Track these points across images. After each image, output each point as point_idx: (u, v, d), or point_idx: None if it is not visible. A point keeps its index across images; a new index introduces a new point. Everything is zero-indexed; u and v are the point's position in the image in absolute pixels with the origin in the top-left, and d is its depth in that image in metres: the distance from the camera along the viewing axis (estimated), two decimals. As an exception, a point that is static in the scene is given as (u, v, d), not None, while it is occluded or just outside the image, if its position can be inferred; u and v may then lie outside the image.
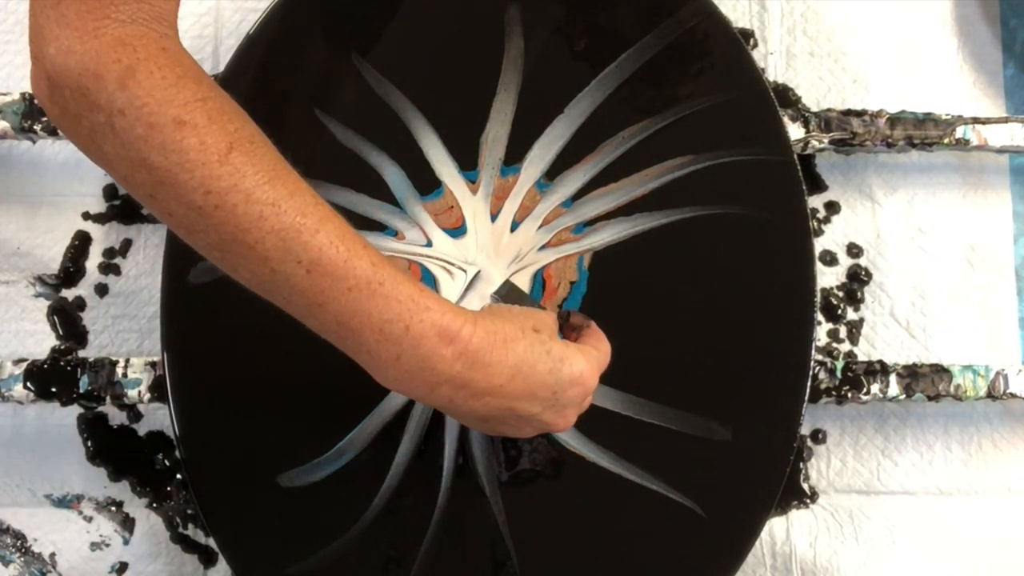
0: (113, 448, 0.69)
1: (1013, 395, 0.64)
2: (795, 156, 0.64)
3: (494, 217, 0.64)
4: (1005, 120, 0.67)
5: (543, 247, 0.63)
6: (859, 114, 0.66)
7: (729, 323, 0.62)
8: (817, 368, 0.63)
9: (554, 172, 0.64)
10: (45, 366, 0.64)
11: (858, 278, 0.70)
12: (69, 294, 0.71)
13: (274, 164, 0.45)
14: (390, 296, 0.45)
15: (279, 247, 0.44)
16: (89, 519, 0.69)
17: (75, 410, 0.69)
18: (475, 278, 0.63)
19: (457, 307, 0.47)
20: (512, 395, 0.48)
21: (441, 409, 0.50)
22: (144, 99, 0.42)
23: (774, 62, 0.73)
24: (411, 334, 0.45)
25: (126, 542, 0.69)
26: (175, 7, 0.45)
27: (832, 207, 0.71)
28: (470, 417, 0.50)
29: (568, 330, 0.55)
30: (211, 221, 0.43)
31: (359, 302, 0.45)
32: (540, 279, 0.63)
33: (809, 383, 0.61)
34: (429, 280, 0.62)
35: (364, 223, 0.63)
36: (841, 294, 0.70)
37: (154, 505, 0.69)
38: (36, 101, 0.46)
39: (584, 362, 0.50)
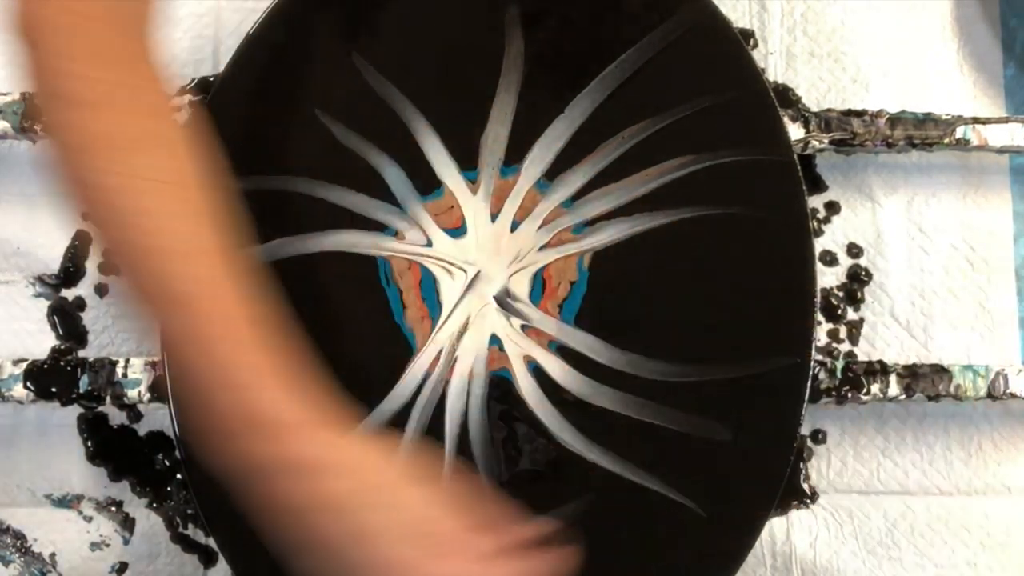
0: (113, 448, 0.69)
1: (1013, 395, 0.64)
2: (795, 156, 0.64)
3: (494, 217, 0.64)
4: (1005, 120, 0.67)
5: (543, 247, 0.63)
6: (859, 114, 0.66)
7: (729, 323, 0.62)
8: (817, 368, 0.63)
9: (554, 172, 0.64)
10: (45, 366, 0.64)
11: (858, 278, 0.70)
12: (69, 294, 0.71)
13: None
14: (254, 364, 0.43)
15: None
16: (89, 519, 0.69)
17: (75, 410, 0.69)
18: (475, 278, 0.63)
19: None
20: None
21: None
22: None
23: (774, 62, 0.73)
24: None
25: (126, 542, 0.69)
26: None
27: (832, 207, 0.71)
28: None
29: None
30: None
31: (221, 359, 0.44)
32: (540, 279, 0.63)
33: (809, 383, 0.61)
34: (429, 280, 0.62)
35: (364, 223, 0.63)
36: (841, 294, 0.70)
37: (154, 505, 0.69)
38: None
39: None
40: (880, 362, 0.64)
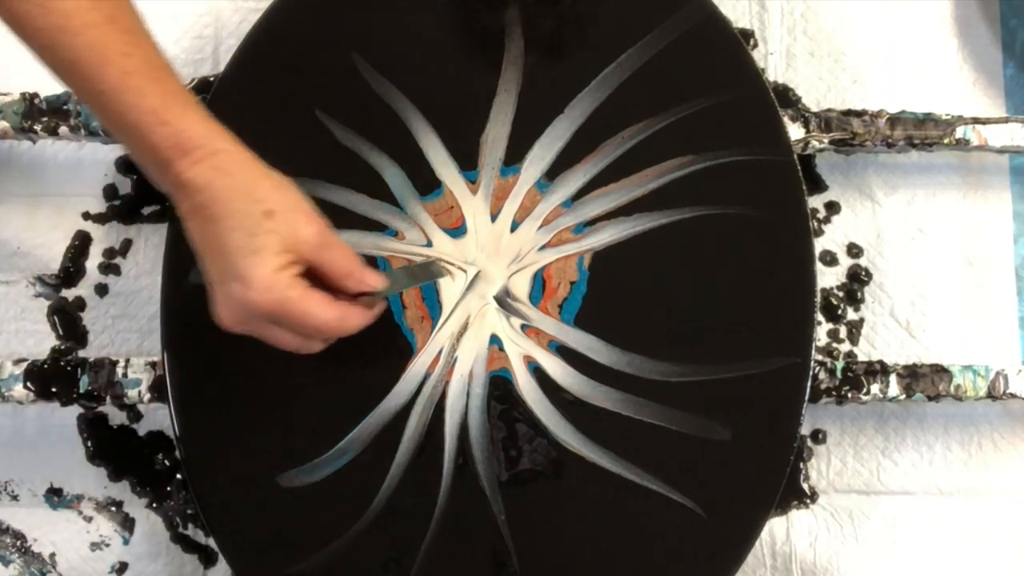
0: (113, 448, 0.69)
1: (1013, 395, 0.64)
2: (795, 156, 0.64)
3: (494, 217, 0.64)
4: (1005, 120, 0.67)
5: (543, 247, 0.63)
6: (859, 114, 0.66)
7: (729, 323, 0.62)
8: (817, 368, 0.63)
9: (554, 172, 0.64)
10: (45, 366, 0.64)
11: (858, 278, 0.70)
12: (69, 294, 0.71)
13: None
14: (133, 105, 0.50)
15: (46, 44, 0.49)
16: (89, 519, 0.69)
17: (75, 410, 0.69)
18: (475, 278, 0.63)
19: (208, 130, 0.51)
20: (203, 238, 0.51)
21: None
22: None
23: (774, 62, 0.73)
24: (147, 143, 0.50)
25: (126, 542, 0.69)
26: None
27: (832, 207, 0.71)
28: (190, 235, 0.52)
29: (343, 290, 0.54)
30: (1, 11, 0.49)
31: (108, 104, 0.50)
32: (540, 279, 0.63)
33: (809, 383, 0.61)
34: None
35: (364, 223, 0.63)
36: (841, 294, 0.70)
37: (154, 505, 0.69)
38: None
39: (262, 288, 0.49)
40: (880, 362, 0.64)
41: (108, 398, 0.63)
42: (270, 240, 0.50)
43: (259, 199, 0.51)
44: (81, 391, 0.63)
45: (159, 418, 0.69)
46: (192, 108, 0.52)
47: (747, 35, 0.73)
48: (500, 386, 0.61)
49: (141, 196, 0.72)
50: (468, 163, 0.64)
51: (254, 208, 0.50)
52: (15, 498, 0.69)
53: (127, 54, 0.50)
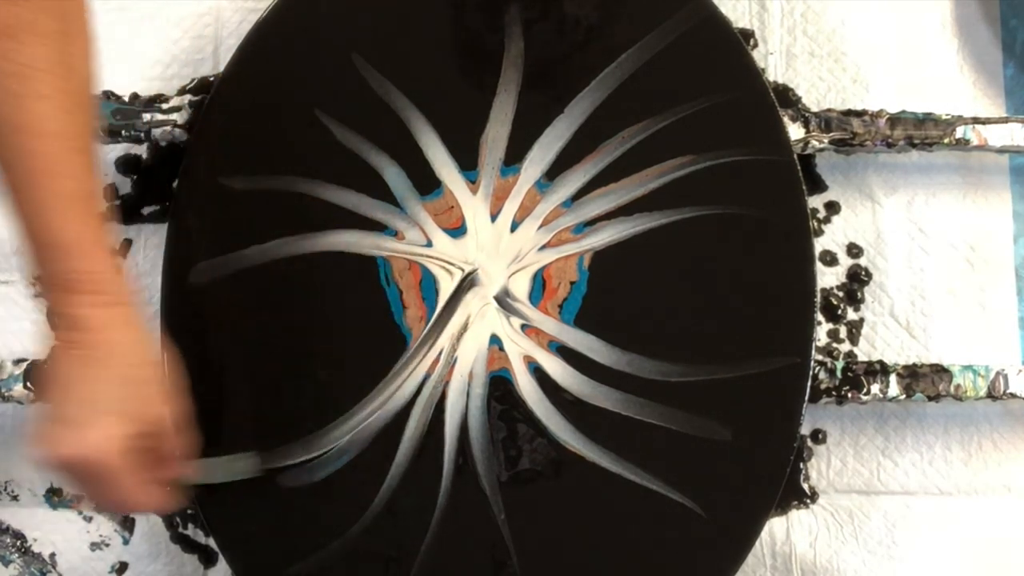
0: (113, 448, 0.69)
1: (1013, 395, 0.64)
2: (795, 156, 0.64)
3: (494, 217, 0.64)
4: (1005, 120, 0.67)
5: (543, 247, 0.63)
6: (859, 114, 0.66)
7: (729, 323, 0.62)
8: (817, 368, 0.63)
9: (554, 172, 0.64)
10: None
11: (858, 278, 0.70)
12: (69, 294, 0.71)
13: None
14: (59, 227, 0.48)
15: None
16: (89, 519, 0.69)
17: (75, 410, 0.69)
18: (474, 278, 0.63)
19: (121, 280, 0.50)
20: (68, 374, 0.49)
21: None
22: None
23: (774, 62, 0.73)
24: (62, 264, 0.49)
25: (126, 542, 0.69)
26: None
27: (832, 207, 0.71)
28: (51, 363, 0.51)
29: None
30: None
31: (35, 214, 0.48)
32: (540, 279, 0.63)
33: (809, 383, 0.61)
34: (429, 280, 0.63)
35: (364, 223, 0.63)
36: (841, 294, 0.70)
37: (154, 505, 0.69)
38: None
39: (97, 447, 0.48)
40: (880, 362, 0.64)
41: (108, 398, 0.63)
42: (130, 406, 0.50)
43: (136, 364, 0.51)
44: (81, 391, 0.63)
45: (159, 418, 0.69)
46: (112, 253, 0.51)
47: (747, 35, 0.73)
48: (500, 386, 0.61)
49: (141, 196, 0.71)
50: (468, 163, 0.64)
51: (129, 372, 0.50)
52: (15, 498, 0.69)
53: (73, 176, 0.48)
